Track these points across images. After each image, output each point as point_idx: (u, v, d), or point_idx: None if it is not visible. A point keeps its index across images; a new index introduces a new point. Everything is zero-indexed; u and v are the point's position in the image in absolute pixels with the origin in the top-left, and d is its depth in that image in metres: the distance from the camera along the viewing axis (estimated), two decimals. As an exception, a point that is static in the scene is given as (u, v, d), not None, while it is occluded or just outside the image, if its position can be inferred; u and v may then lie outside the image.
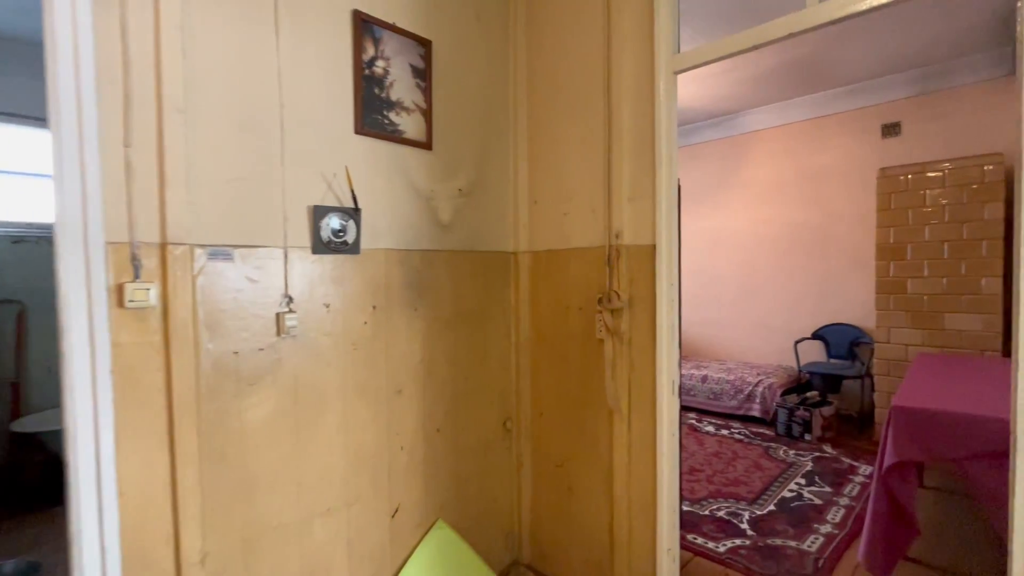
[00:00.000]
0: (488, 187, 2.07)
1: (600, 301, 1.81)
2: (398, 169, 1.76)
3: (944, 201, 3.47)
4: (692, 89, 4.31)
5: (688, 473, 3.28)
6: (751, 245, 5.05)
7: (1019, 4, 1.14)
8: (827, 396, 4.20)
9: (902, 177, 3.66)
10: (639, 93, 1.74)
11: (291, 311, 1.47)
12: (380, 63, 1.68)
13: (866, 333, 4.26)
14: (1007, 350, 3.29)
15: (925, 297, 3.54)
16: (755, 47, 1.46)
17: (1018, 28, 1.12)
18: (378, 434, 1.71)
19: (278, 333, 1.45)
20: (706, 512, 2.75)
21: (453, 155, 1.94)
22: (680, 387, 1.74)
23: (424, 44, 1.81)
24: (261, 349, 1.42)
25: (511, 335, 2.17)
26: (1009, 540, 1.12)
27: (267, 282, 1.43)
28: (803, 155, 4.66)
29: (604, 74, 1.82)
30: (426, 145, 1.83)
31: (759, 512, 2.73)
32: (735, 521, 2.64)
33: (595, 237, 1.87)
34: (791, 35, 1.38)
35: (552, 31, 2.01)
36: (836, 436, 3.95)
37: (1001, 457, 1.83)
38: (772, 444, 3.82)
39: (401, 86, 1.74)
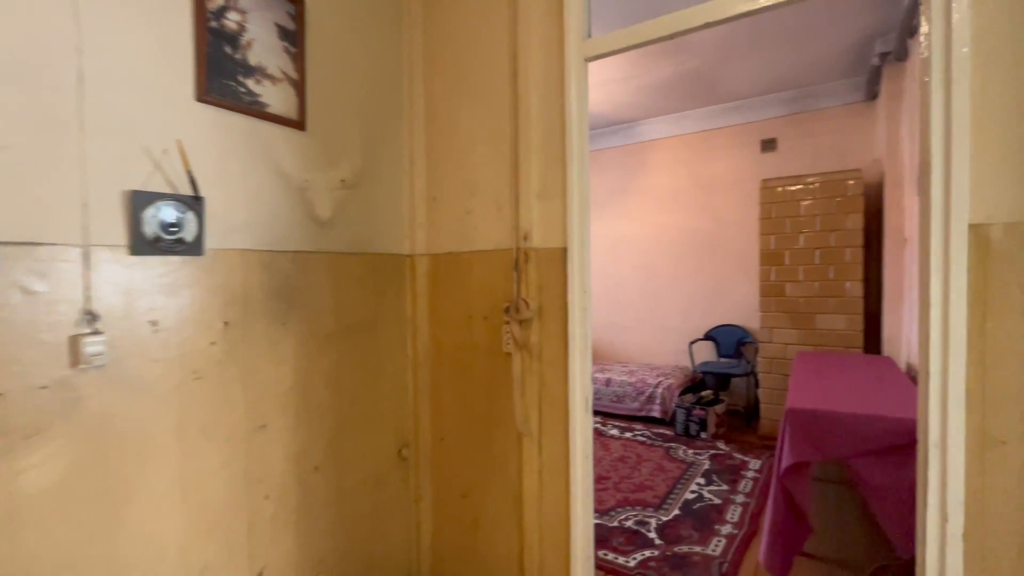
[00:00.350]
0: (378, 179, 1.79)
1: (507, 310, 1.62)
2: (261, 151, 1.42)
3: (815, 212, 3.79)
4: (594, 95, 4.33)
5: (596, 482, 3.22)
6: (651, 250, 5.22)
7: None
8: (719, 394, 4.42)
9: (779, 189, 3.95)
10: (548, 80, 1.57)
11: (95, 332, 1.08)
12: (233, 16, 1.34)
13: (751, 333, 4.57)
14: (867, 347, 3.67)
15: (801, 300, 3.84)
16: (671, 35, 1.35)
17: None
18: (232, 483, 1.35)
19: (74, 363, 1.06)
20: (615, 523, 2.68)
21: (334, 139, 1.63)
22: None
23: (294, 1, 1.48)
24: (44, 387, 1.02)
25: (408, 349, 1.90)
26: (919, 531, 1.10)
27: (55, 294, 1.04)
28: (696, 165, 4.91)
29: (511, 57, 1.63)
30: (298, 124, 1.51)
31: (665, 518, 2.72)
32: (643, 531, 2.59)
33: (501, 238, 1.67)
34: (707, 24, 1.29)
35: (453, 5, 1.79)
36: (728, 432, 4.16)
37: (885, 453, 1.93)
38: (672, 444, 3.91)
39: (263, 48, 1.41)
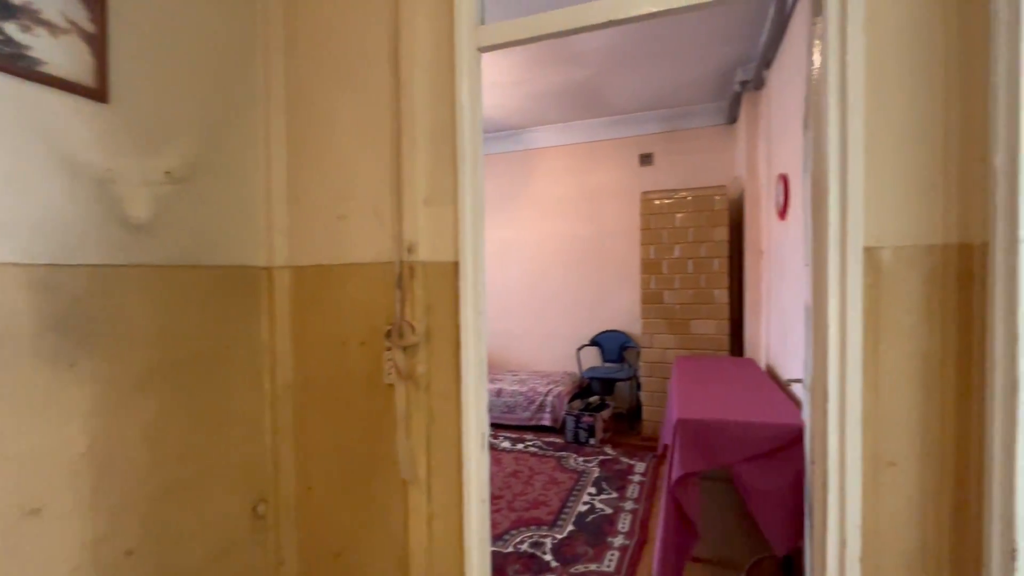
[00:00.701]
0: (222, 172, 1.43)
1: (389, 335, 1.37)
2: (32, 125, 1.02)
3: (688, 224, 4.06)
4: (484, 98, 4.20)
5: (489, 502, 3.05)
6: (538, 257, 5.24)
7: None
8: (604, 399, 4.54)
9: (657, 201, 4.17)
10: (437, 68, 1.37)
11: None
12: (-22, -73, 0.93)
13: (633, 338, 4.77)
14: (732, 349, 4.00)
15: (677, 306, 4.08)
16: (573, 30, 1.23)
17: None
18: (-22, 603, 0.93)
19: None
20: (511, 548, 2.53)
21: (155, 118, 1.25)
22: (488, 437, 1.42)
23: (88, -75, 1.10)
24: None
25: (264, 383, 1.55)
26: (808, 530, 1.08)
27: None
28: (581, 175, 5.02)
29: (391, 39, 1.40)
30: (96, 93, 1.12)
31: (560, 536, 2.65)
32: (539, 553, 2.48)
33: (382, 250, 1.42)
34: (610, 22, 1.19)
35: (319, -29, 1.50)
36: (614, 436, 4.27)
37: (764, 458, 2.03)
38: (563, 453, 3.90)
39: (34, -18, 1.01)
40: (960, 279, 0.94)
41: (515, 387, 4.62)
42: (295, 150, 1.54)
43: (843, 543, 1.03)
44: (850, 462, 1.02)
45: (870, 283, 1.00)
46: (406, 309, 1.37)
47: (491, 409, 4.61)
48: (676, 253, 4.09)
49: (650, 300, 4.16)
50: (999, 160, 0.84)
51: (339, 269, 1.49)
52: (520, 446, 4.10)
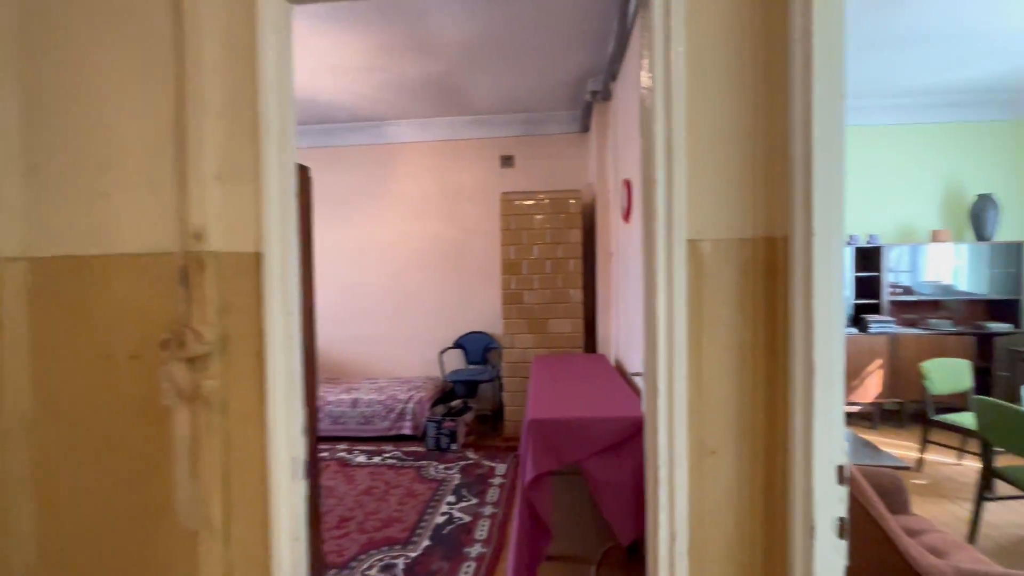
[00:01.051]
0: None
1: (168, 345, 1.08)
2: None
3: (546, 226, 4.16)
4: (335, 82, 3.85)
5: (336, 527, 2.75)
6: (400, 257, 4.98)
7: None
8: (467, 402, 4.46)
9: (517, 202, 4.21)
10: (233, 17, 1.11)
11: None
12: None
13: (495, 339, 4.76)
14: (587, 347, 4.19)
15: (536, 306, 4.16)
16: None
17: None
18: None
19: None
20: (357, 577, 2.28)
21: None
22: (309, 464, 1.19)
23: None
24: None
25: (-20, 417, 1.13)
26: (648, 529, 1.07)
27: None
28: (444, 173, 4.89)
29: (172, -29, 1.10)
30: None
31: (414, 554, 2.46)
32: (389, 577, 2.28)
33: (159, 237, 1.12)
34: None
35: None
36: (477, 439, 4.21)
37: (610, 450, 2.08)
38: (424, 462, 3.72)
39: None
40: (767, 271, 0.99)
41: (373, 396, 4.31)
42: (32, 101, 1.15)
43: (673, 536, 1.02)
44: (678, 455, 1.02)
45: (693, 275, 1.01)
46: (193, 312, 1.09)
47: (346, 421, 4.25)
48: (535, 254, 4.16)
49: (510, 300, 4.18)
50: (796, 156, 0.89)
51: (100, 262, 1.14)
52: (377, 459, 3.82)
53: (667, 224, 1.02)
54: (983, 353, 4.25)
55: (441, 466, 3.64)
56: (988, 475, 2.43)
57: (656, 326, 1.03)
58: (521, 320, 4.17)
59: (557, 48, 3.38)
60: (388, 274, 4.99)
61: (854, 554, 1.40)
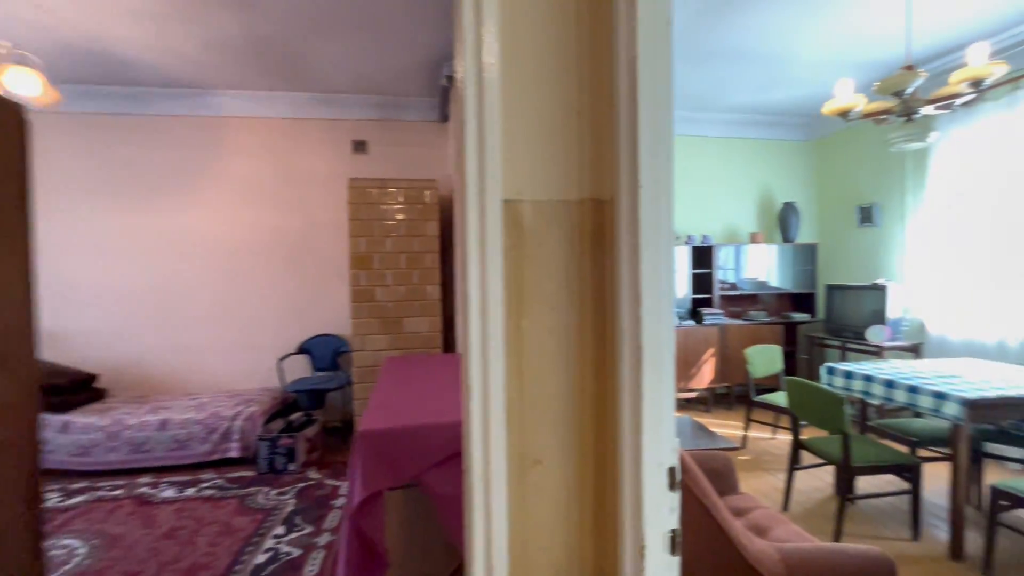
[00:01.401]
0: None
1: None
2: None
3: (401, 217, 3.84)
4: (135, 31, 3.10)
5: (113, 589, 2.14)
6: (234, 250, 4.25)
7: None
8: (311, 414, 3.94)
9: (369, 190, 3.82)
10: None
11: None
12: None
13: (348, 342, 4.30)
14: (446, 346, 3.95)
15: (390, 304, 3.81)
16: None
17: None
18: None
19: None
20: (129, 656, 1.75)
21: None
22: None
23: None
24: None
25: None
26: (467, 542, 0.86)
27: None
28: (286, 156, 4.29)
29: None
30: None
31: (218, 610, 1.99)
32: (177, 648, 1.78)
33: None
34: None
35: None
36: (322, 456, 3.72)
37: (452, 460, 1.85)
38: (251, 489, 3.15)
39: None
40: (595, 240, 0.83)
41: (189, 415, 3.57)
42: None
43: (490, 571, 0.81)
44: (496, 467, 0.81)
45: (512, 244, 0.82)
46: None
47: (152, 448, 3.47)
48: (388, 247, 3.81)
49: (361, 298, 3.77)
50: (622, 93, 0.74)
51: None
52: (191, 491, 3.14)
53: (479, 181, 0.81)
54: (789, 339, 4.93)
55: (273, 492, 3.11)
56: (797, 447, 2.71)
57: (468, 309, 0.82)
58: (373, 320, 3.79)
59: (407, 23, 3.10)
60: (218, 271, 4.23)
61: (691, 548, 1.37)
